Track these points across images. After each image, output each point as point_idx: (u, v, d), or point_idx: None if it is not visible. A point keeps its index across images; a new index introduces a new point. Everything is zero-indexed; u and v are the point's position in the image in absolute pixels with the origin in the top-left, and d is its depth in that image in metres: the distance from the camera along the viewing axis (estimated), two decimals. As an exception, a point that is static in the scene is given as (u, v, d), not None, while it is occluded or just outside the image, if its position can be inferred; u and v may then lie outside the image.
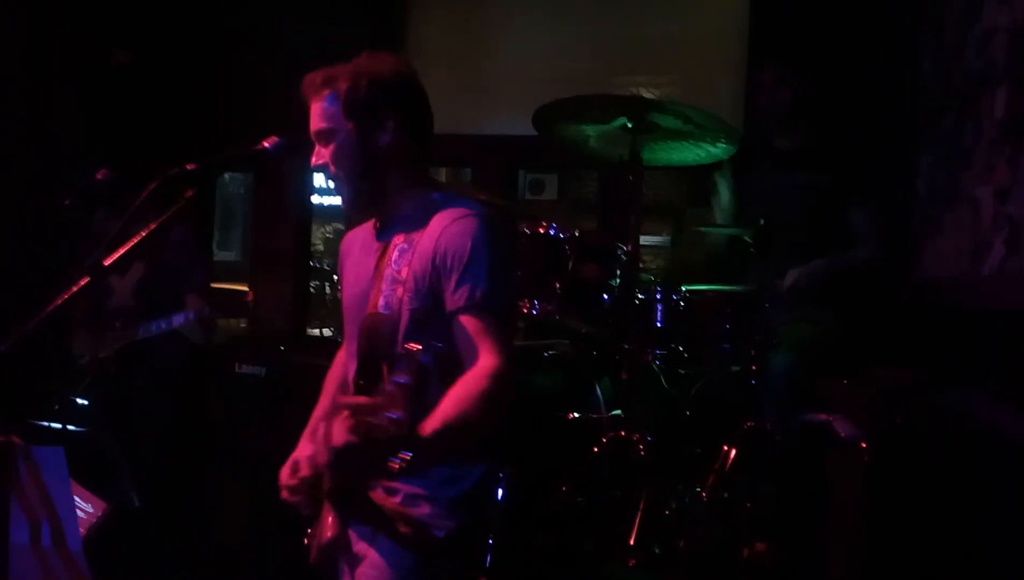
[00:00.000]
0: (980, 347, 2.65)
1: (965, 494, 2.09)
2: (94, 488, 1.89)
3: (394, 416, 1.39)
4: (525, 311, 2.85)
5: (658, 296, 2.85)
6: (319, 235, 7.37)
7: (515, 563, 2.55)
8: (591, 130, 2.91)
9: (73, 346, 3.38)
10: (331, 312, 6.64)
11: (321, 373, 2.01)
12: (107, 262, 1.59)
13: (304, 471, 1.76)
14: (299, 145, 1.81)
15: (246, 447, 3.24)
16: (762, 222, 2.86)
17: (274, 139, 1.78)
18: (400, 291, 1.72)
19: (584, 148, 3.01)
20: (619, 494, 2.70)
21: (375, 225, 1.88)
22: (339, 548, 1.73)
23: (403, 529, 1.70)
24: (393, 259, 1.78)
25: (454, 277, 1.70)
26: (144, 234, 1.63)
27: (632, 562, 2.57)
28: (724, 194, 3.29)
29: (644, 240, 2.91)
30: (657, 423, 2.99)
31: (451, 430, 1.56)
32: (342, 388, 1.90)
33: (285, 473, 1.79)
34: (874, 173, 3.23)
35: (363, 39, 4.35)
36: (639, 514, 2.58)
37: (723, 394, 3.01)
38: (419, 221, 1.78)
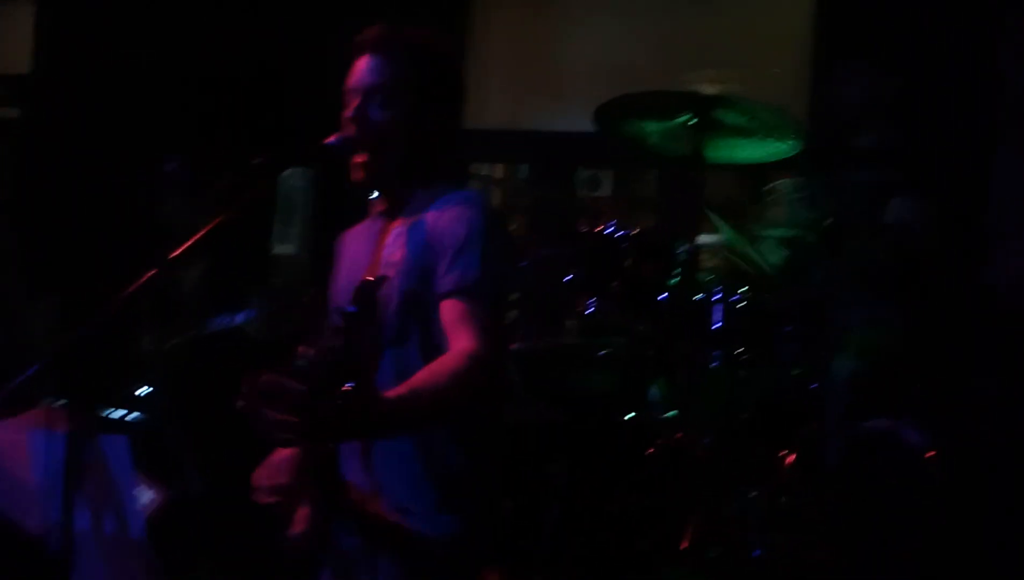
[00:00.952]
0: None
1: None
2: (158, 477, 1.93)
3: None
4: (581, 309, 2.84)
5: (717, 296, 2.81)
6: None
7: (570, 565, 2.54)
8: (653, 127, 2.88)
9: (140, 338, 3.46)
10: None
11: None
12: (173, 255, 1.61)
13: (283, 476, 1.71)
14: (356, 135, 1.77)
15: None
16: (831, 222, 2.79)
17: (337, 135, 1.77)
18: (392, 273, 1.68)
19: (645, 146, 2.98)
20: (674, 497, 2.67)
21: (377, 212, 1.84)
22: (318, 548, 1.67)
23: (393, 539, 1.66)
24: (388, 243, 1.74)
25: (446, 260, 1.64)
26: (211, 227, 1.65)
27: (686, 566, 2.54)
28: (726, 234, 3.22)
29: (704, 239, 2.87)
30: (714, 426, 2.95)
31: (417, 398, 1.47)
32: None
33: (262, 475, 1.74)
34: (948, 170, 3.13)
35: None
36: (694, 518, 2.55)
37: (784, 398, 2.95)
38: (420, 208, 1.74)
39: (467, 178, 4.43)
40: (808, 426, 2.72)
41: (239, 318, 3.20)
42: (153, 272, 1.57)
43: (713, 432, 2.85)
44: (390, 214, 1.80)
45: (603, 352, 3.17)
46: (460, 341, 1.58)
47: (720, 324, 2.80)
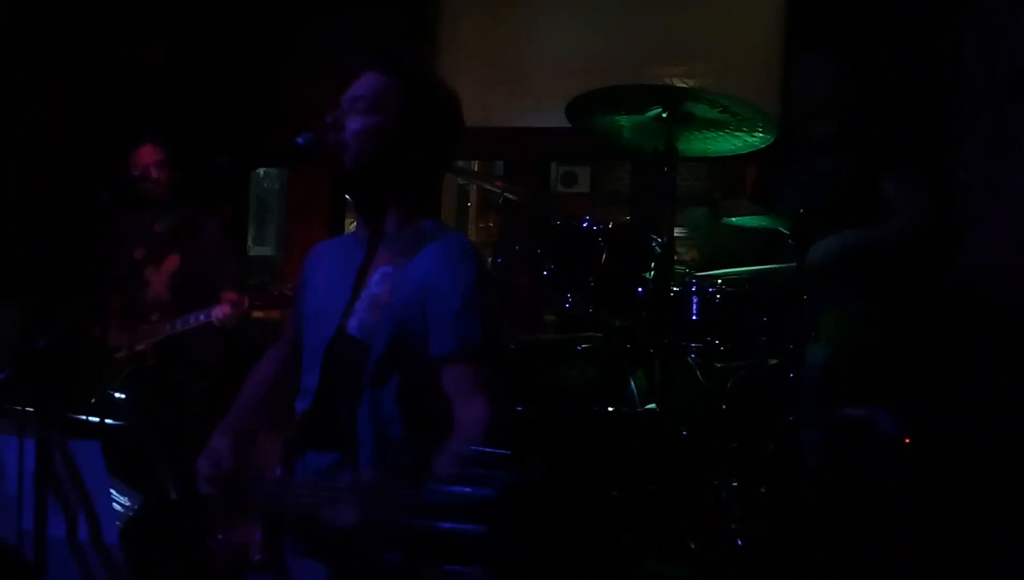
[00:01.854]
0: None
1: (1016, 491, 2.03)
2: (131, 482, 1.91)
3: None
4: (558, 304, 2.84)
5: (693, 288, 2.82)
6: (353, 229, 7.38)
7: (549, 559, 2.54)
8: (625, 121, 2.88)
9: (109, 340, 3.42)
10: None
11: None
12: (140, 255, 1.60)
13: (228, 463, 1.71)
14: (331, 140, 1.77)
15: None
16: (801, 212, 2.80)
17: (307, 133, 1.76)
18: (378, 317, 1.68)
19: (618, 140, 2.98)
20: (654, 489, 2.67)
21: (356, 235, 1.83)
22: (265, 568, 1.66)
23: (347, 560, 1.61)
24: (374, 281, 1.72)
25: (446, 319, 1.66)
26: (177, 227, 1.63)
27: (667, 558, 2.55)
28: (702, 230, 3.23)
29: (677, 232, 2.87)
30: (692, 417, 2.96)
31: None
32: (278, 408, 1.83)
33: (205, 464, 1.74)
34: (916, 157, 3.14)
35: (396, 30, 4.38)
36: (675, 510, 2.56)
37: (760, 388, 2.97)
38: (407, 249, 1.72)
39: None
40: (785, 416, 2.73)
41: (214, 314, 3.17)
42: (120, 273, 1.55)
43: (691, 424, 2.87)
44: (372, 244, 1.78)
45: (580, 346, 3.18)
46: (474, 408, 1.61)
47: (696, 316, 2.81)
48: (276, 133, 1.78)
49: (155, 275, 3.44)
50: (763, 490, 2.69)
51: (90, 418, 2.51)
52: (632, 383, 2.99)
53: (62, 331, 1.51)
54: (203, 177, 1.63)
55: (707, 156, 2.99)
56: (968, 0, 3.50)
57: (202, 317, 3.19)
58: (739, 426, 2.95)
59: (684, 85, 2.98)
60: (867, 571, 2.42)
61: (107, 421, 2.52)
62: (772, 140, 2.81)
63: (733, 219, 3.00)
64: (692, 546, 2.57)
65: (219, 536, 1.73)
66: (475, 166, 6.75)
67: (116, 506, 1.74)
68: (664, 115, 2.72)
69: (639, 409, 2.94)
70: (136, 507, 1.83)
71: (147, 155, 3.43)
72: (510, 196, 3.20)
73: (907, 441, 2.10)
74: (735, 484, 2.71)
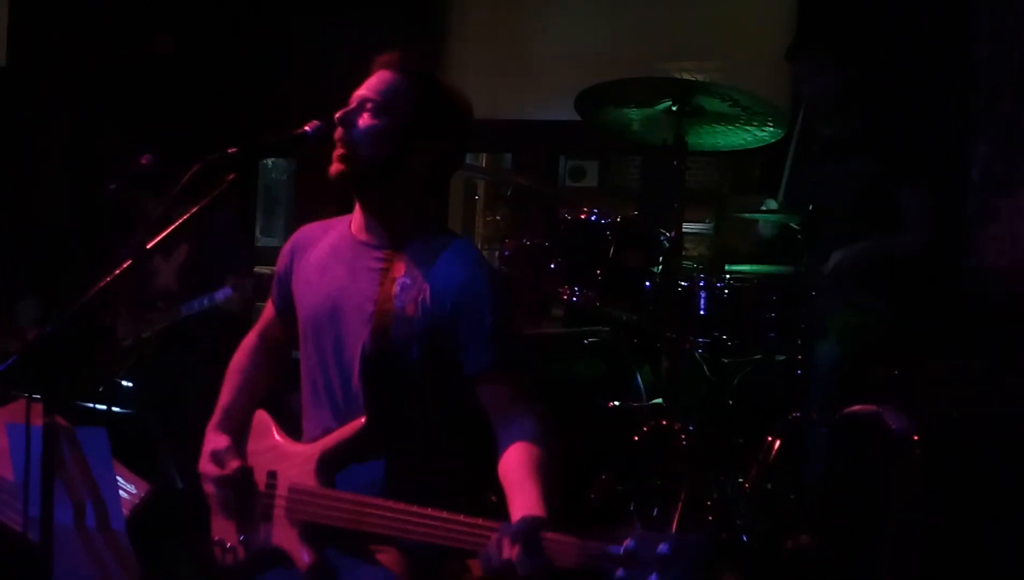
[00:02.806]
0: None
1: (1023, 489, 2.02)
2: (138, 469, 1.91)
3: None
4: (565, 298, 2.83)
5: (701, 283, 2.81)
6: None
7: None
8: (635, 114, 2.87)
9: (117, 328, 3.43)
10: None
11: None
12: (149, 245, 1.59)
13: (233, 463, 1.71)
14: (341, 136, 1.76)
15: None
16: (811, 209, 2.80)
17: (315, 123, 1.74)
18: (407, 330, 1.67)
19: (627, 133, 2.98)
20: (660, 484, 2.67)
21: (353, 228, 1.79)
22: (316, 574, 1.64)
23: (382, 555, 1.64)
24: (395, 294, 1.69)
25: (476, 339, 1.66)
26: (186, 217, 1.63)
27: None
28: (766, 231, 3.22)
29: (686, 227, 2.86)
30: (699, 412, 2.96)
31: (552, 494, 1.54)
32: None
33: (210, 466, 1.73)
34: (925, 158, 3.13)
35: (405, 22, 4.38)
36: (680, 504, 2.55)
37: (767, 383, 2.96)
38: (421, 259, 1.70)
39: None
40: (792, 412, 2.72)
41: (218, 296, 3.17)
42: (128, 262, 1.55)
43: (698, 419, 2.86)
44: (382, 247, 1.74)
45: (587, 340, 3.17)
46: (525, 421, 1.63)
47: (704, 311, 2.80)
48: (285, 125, 1.76)
49: (164, 265, 3.45)
50: (769, 485, 2.68)
51: (97, 405, 2.52)
52: (639, 377, 2.99)
53: (68, 318, 1.51)
54: (212, 167, 1.62)
55: (717, 150, 2.99)
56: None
57: (206, 301, 3.19)
58: (745, 422, 2.94)
59: (694, 78, 2.97)
60: (873, 569, 2.41)
61: (114, 408, 2.52)
62: (783, 134, 2.80)
63: (745, 214, 2.99)
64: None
65: (239, 536, 1.72)
66: (483, 159, 6.74)
67: (123, 493, 1.74)
68: (674, 108, 2.72)
69: (645, 403, 2.94)
70: (142, 494, 1.83)
71: (156, 145, 3.43)
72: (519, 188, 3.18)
73: (916, 438, 2.08)
74: (740, 480, 2.70)
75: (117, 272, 1.54)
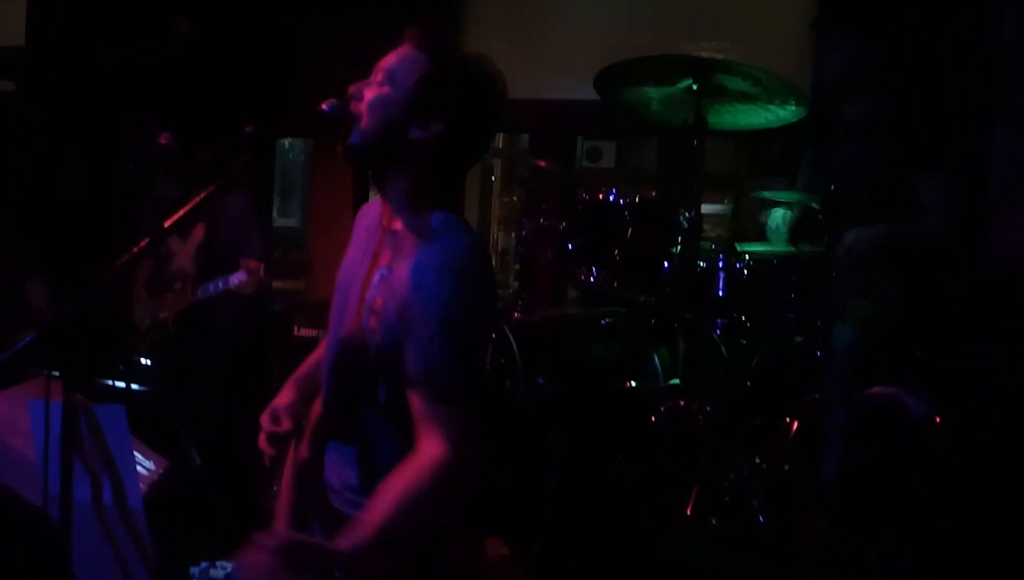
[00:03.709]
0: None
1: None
2: (155, 447, 1.92)
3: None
4: (583, 279, 2.82)
5: (720, 264, 2.79)
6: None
7: (570, 533, 2.54)
8: (654, 93, 2.85)
9: (134, 308, 3.46)
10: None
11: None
12: (166, 225, 1.59)
13: (285, 422, 1.72)
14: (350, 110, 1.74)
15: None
16: (832, 189, 2.76)
17: (332, 101, 1.72)
18: (373, 323, 1.61)
19: (646, 112, 2.95)
20: (676, 465, 2.66)
21: (380, 215, 1.74)
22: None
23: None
24: (374, 283, 1.65)
25: (415, 342, 1.54)
26: (201, 198, 1.62)
27: (688, 534, 2.54)
28: (777, 216, 3.18)
29: (704, 209, 2.83)
30: (716, 394, 2.94)
31: (377, 540, 1.46)
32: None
33: (267, 419, 1.74)
34: (947, 143, 3.08)
35: (424, 1, 4.34)
36: (696, 486, 2.55)
37: (786, 365, 2.93)
38: (404, 249, 1.62)
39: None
40: (810, 394, 2.70)
41: (231, 280, 3.19)
42: (145, 242, 1.55)
43: (715, 401, 2.85)
44: (383, 229, 1.71)
45: (604, 321, 3.16)
46: (427, 446, 1.52)
47: (722, 292, 2.78)
48: (302, 104, 1.74)
49: (181, 246, 3.47)
50: (786, 467, 2.67)
51: (116, 383, 2.54)
52: (656, 359, 2.98)
53: (87, 298, 1.51)
54: (229, 146, 1.61)
55: (737, 129, 2.95)
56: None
57: (220, 285, 3.22)
58: (763, 403, 2.92)
59: (714, 56, 2.93)
60: (891, 552, 2.40)
61: (132, 386, 2.54)
62: (805, 114, 2.76)
63: (764, 193, 2.96)
64: (713, 523, 2.56)
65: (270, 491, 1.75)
66: (500, 140, 6.71)
67: (140, 470, 1.75)
68: (695, 87, 2.69)
69: (663, 385, 2.93)
70: (160, 471, 1.84)
71: (173, 126, 3.44)
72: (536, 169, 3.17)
73: (936, 421, 2.06)
74: (758, 461, 2.69)
75: (135, 251, 1.54)
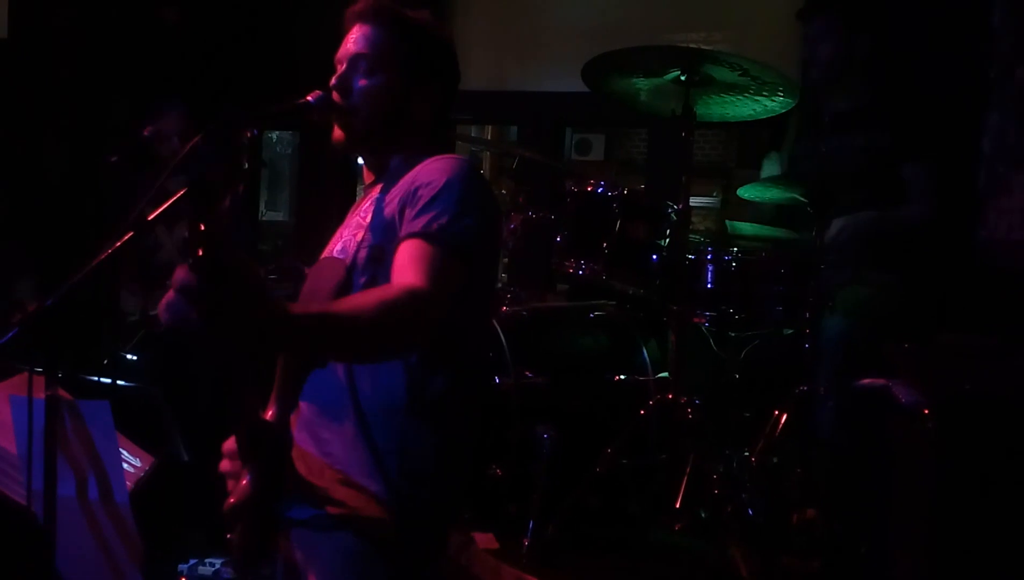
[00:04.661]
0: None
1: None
2: (143, 443, 1.90)
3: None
4: (571, 271, 2.81)
5: (708, 256, 2.78)
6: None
7: (559, 526, 2.53)
8: (643, 84, 2.83)
9: (122, 302, 3.43)
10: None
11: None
12: (151, 217, 1.57)
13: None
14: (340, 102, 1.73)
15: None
16: (819, 179, 2.76)
17: (317, 93, 1.71)
18: (360, 234, 1.59)
19: (635, 103, 2.93)
20: (665, 458, 2.66)
21: (367, 185, 1.75)
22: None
23: (341, 511, 1.49)
24: (364, 208, 1.65)
25: (418, 206, 1.50)
26: (187, 190, 1.60)
27: (678, 526, 2.54)
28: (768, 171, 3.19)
29: (693, 201, 2.83)
30: (705, 386, 2.94)
31: (322, 321, 1.31)
32: None
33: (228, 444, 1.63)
34: (935, 131, 3.08)
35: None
36: (685, 478, 2.55)
37: (775, 357, 2.94)
38: (401, 173, 1.63)
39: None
40: (799, 385, 2.70)
41: None
42: (129, 234, 1.53)
43: (704, 393, 2.85)
44: (374, 184, 1.72)
45: (593, 314, 3.16)
46: (404, 277, 1.43)
47: (711, 285, 2.78)
48: (290, 96, 1.73)
49: (167, 238, 3.44)
50: (775, 460, 2.67)
51: (102, 378, 2.52)
52: (645, 351, 2.98)
53: (69, 291, 1.49)
54: (216, 138, 1.59)
55: (726, 120, 2.94)
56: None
57: None
58: (752, 396, 2.93)
59: (702, 47, 2.92)
60: (881, 544, 2.40)
61: (119, 382, 2.52)
62: (793, 104, 2.76)
63: (745, 193, 2.96)
64: (702, 515, 2.56)
65: None
66: (488, 131, 6.68)
67: (127, 466, 1.74)
68: (683, 78, 2.67)
69: (652, 377, 2.92)
70: (147, 467, 1.82)
71: (158, 117, 3.41)
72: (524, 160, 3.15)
73: (926, 412, 2.06)
74: (747, 454, 2.69)
75: (119, 244, 1.52)
